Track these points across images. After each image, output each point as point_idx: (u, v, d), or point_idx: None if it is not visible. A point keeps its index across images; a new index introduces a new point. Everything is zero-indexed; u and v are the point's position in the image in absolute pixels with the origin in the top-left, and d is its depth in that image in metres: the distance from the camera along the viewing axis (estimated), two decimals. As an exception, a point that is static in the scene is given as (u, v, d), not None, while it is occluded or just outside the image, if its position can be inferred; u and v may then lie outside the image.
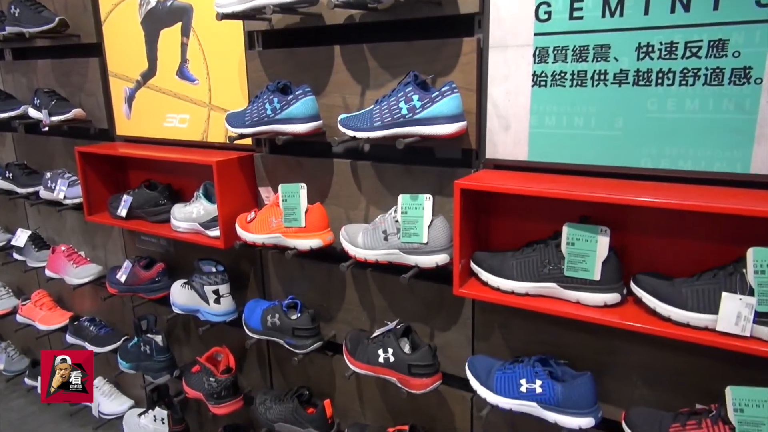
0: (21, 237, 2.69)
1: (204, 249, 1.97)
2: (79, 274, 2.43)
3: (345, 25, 1.61)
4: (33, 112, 2.38)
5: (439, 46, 1.47)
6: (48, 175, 2.44)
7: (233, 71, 1.89)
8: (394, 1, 1.38)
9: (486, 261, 1.39)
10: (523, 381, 1.35)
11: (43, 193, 2.45)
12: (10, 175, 2.59)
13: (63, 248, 2.50)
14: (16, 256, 2.76)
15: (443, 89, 1.36)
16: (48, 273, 2.54)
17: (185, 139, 2.10)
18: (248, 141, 1.87)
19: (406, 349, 1.54)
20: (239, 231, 1.76)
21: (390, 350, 1.52)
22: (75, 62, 2.37)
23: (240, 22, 1.81)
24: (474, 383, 1.43)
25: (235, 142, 1.75)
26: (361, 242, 1.54)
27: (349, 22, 1.59)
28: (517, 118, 1.40)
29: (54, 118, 2.26)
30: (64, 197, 2.32)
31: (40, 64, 2.53)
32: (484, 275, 1.38)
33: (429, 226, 1.43)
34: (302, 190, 1.62)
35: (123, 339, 2.46)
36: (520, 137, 1.40)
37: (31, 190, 2.55)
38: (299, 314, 1.75)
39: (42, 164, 2.66)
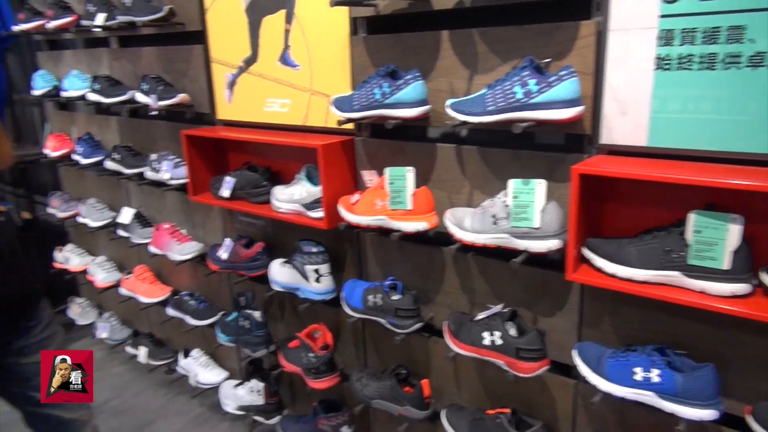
0: (126, 215, 2.86)
1: (302, 229, 2.03)
2: (182, 251, 2.56)
3: (451, 10, 1.61)
4: (141, 97, 2.52)
5: (552, 29, 1.45)
6: (153, 156, 2.57)
7: (336, 57, 1.93)
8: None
9: (601, 247, 1.37)
10: (637, 369, 1.33)
11: (149, 174, 2.59)
12: (118, 156, 2.76)
13: (166, 226, 2.64)
14: (120, 232, 2.94)
15: (561, 73, 1.35)
16: (152, 249, 2.68)
17: (285, 123, 2.17)
18: (350, 125, 1.91)
19: (512, 332, 1.55)
20: (343, 212, 1.81)
21: (497, 333, 1.53)
22: (179, 49, 2.48)
23: (345, 9, 1.84)
24: (585, 370, 1.42)
25: (342, 126, 1.79)
26: (468, 226, 1.55)
27: (458, 6, 1.59)
28: (636, 102, 1.36)
29: (161, 103, 2.38)
30: (170, 178, 2.45)
31: (145, 52, 2.66)
32: (600, 261, 1.37)
33: (541, 211, 1.42)
34: (409, 173, 1.64)
35: (221, 313, 2.59)
36: (640, 122, 1.37)
37: (136, 171, 2.69)
38: (401, 295, 1.79)
39: (143, 147, 2.81)
